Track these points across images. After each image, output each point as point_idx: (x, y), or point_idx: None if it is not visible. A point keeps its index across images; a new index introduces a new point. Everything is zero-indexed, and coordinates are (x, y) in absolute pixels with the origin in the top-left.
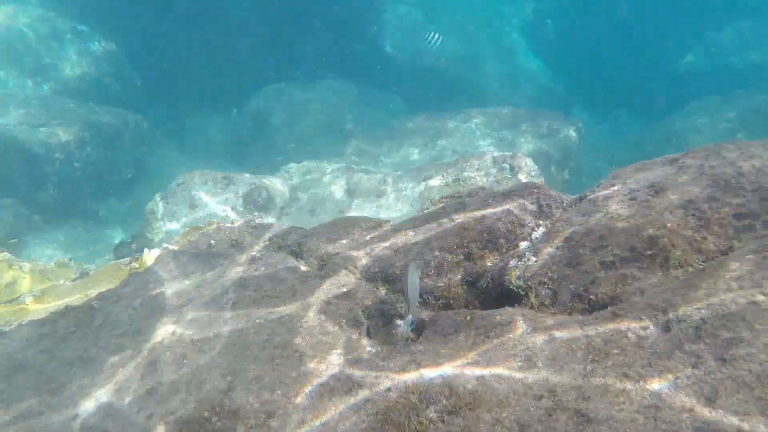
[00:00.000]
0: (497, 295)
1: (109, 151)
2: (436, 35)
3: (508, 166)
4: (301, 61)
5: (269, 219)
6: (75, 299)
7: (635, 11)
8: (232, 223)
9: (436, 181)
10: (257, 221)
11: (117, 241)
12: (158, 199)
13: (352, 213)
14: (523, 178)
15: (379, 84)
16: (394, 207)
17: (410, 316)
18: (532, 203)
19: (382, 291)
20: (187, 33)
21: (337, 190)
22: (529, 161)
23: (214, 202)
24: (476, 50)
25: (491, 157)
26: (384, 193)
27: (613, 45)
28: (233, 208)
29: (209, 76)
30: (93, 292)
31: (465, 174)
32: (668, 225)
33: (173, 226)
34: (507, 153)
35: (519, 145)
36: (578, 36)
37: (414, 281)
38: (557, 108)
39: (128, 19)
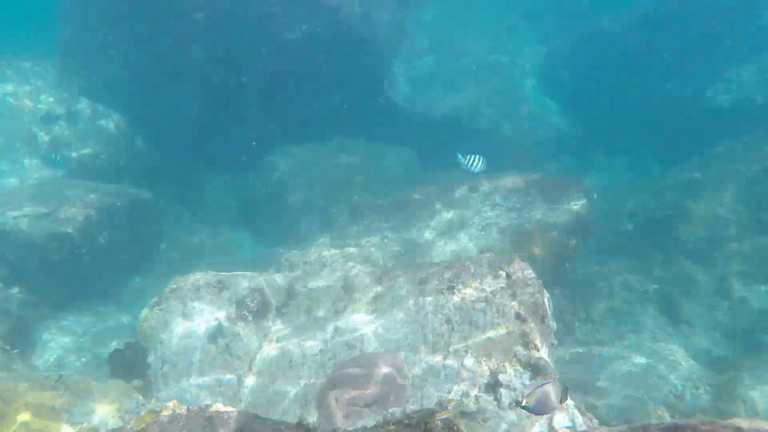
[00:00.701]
0: None
1: (119, 233)
2: (477, 158)
3: (504, 273)
4: (312, 120)
5: (265, 323)
6: None
7: (652, 47)
8: (188, 410)
9: (431, 286)
10: (213, 408)
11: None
12: (152, 305)
13: (348, 315)
14: (518, 290)
15: (391, 138)
16: (388, 312)
17: None
18: None
19: None
20: (197, 98)
21: (335, 286)
22: (525, 269)
23: (207, 310)
24: (488, 98)
25: (488, 262)
26: (380, 295)
27: (631, 85)
28: (227, 316)
29: (222, 140)
30: None
31: (461, 279)
32: None
33: (166, 335)
34: (504, 258)
35: (528, 217)
36: (594, 78)
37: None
38: (576, 152)
39: (138, 90)
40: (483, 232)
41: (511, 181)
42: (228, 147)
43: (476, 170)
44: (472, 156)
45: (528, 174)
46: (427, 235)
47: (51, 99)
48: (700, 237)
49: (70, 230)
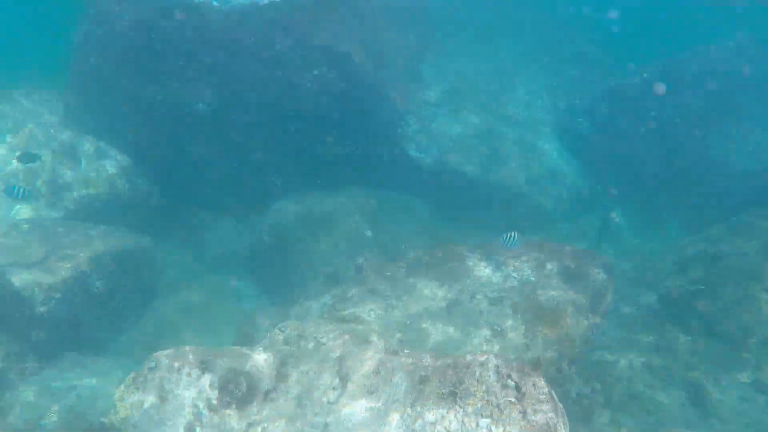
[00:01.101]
0: None
1: (113, 281)
2: (513, 234)
3: (513, 384)
4: (321, 167)
5: (250, 410)
6: None
7: (677, 106)
8: None
9: (431, 387)
10: None
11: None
12: (129, 382)
13: (341, 409)
14: (528, 407)
15: (404, 190)
16: (383, 412)
17: None
18: None
19: None
20: (204, 140)
21: (329, 371)
22: (538, 382)
23: (187, 394)
24: (504, 151)
25: (495, 367)
26: (377, 390)
27: (654, 144)
28: (207, 401)
29: (228, 183)
30: None
31: (464, 384)
32: None
33: (140, 420)
34: (514, 364)
35: (542, 290)
36: (616, 136)
37: None
38: (594, 211)
39: (145, 130)
40: (494, 307)
41: (526, 250)
42: (234, 191)
43: (511, 247)
44: (509, 233)
45: (545, 244)
46: (434, 306)
47: (52, 136)
48: (729, 318)
49: (59, 280)
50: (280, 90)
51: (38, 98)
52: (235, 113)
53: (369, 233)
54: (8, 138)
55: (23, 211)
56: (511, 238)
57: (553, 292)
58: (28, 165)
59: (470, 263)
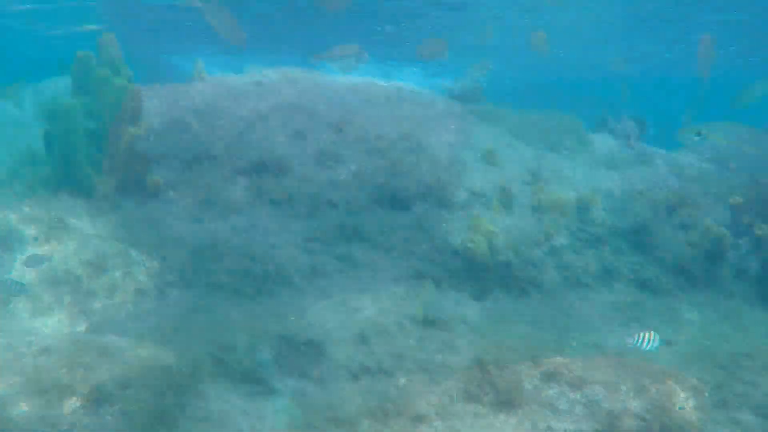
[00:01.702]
0: None
1: (131, 407)
2: (649, 334)
3: None
4: (362, 262)
5: None
6: None
7: None
8: None
9: None
10: None
11: None
12: None
13: None
14: None
15: (448, 285)
16: None
17: None
18: None
19: None
20: (237, 244)
21: None
22: None
23: None
24: (555, 245)
25: None
26: None
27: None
28: None
29: (263, 287)
30: None
31: None
32: None
33: None
34: None
35: (618, 421)
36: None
37: None
38: (662, 303)
39: (176, 234)
40: None
41: (595, 368)
42: (269, 295)
43: (648, 349)
44: (644, 332)
45: (617, 360)
46: None
47: (81, 244)
48: None
49: (66, 413)
50: (317, 184)
51: (61, 204)
52: (269, 209)
53: (412, 341)
54: (33, 246)
55: (45, 325)
56: (648, 340)
57: (629, 420)
58: (34, 268)
59: (529, 386)
